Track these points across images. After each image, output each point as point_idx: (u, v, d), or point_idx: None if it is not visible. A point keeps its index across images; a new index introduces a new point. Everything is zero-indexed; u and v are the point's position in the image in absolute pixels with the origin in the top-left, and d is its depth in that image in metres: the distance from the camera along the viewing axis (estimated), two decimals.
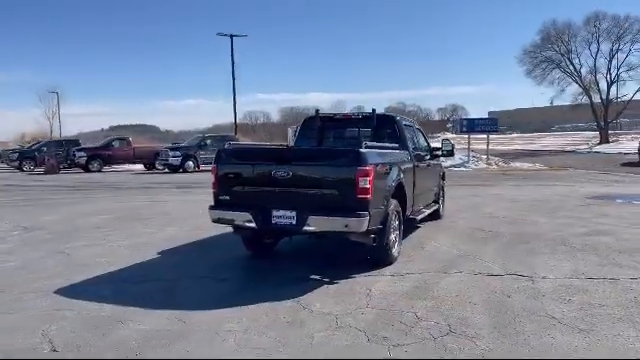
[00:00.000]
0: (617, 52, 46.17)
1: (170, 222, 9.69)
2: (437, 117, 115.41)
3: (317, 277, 5.76)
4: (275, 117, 79.03)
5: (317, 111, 7.58)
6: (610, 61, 46.60)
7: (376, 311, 4.54)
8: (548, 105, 52.19)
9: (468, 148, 28.96)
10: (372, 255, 5.98)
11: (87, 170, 28.41)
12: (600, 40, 46.28)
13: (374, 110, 7.26)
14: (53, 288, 5.34)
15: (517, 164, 29.77)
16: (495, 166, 28.02)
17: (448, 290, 5.15)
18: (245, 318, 4.41)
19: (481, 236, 8.02)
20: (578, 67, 47.49)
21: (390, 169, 6.03)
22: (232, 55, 36.00)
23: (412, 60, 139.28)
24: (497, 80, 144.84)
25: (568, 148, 47.76)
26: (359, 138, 7.51)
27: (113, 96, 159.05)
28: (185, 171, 26.02)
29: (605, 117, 47.63)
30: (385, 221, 5.82)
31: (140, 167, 30.67)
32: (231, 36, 35.52)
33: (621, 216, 9.99)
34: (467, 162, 27.65)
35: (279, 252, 6.99)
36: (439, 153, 9.19)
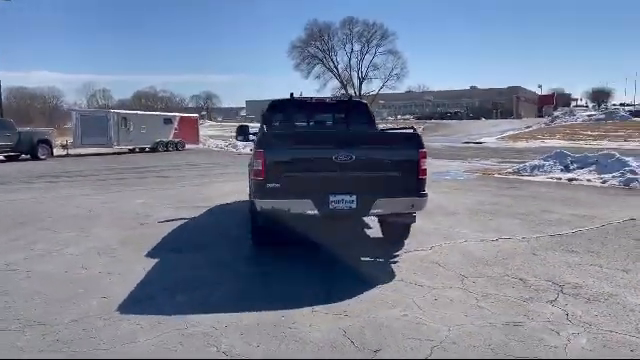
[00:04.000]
0: (366, 53, 53.96)
1: (83, 224, 7.95)
2: (191, 104, 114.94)
3: (368, 258, 5.88)
4: None
5: (292, 94, 7.34)
6: (361, 61, 54.26)
7: (482, 279, 5.02)
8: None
9: None
10: (403, 232, 6.34)
11: None
12: (353, 41, 53.40)
13: (350, 96, 7.54)
14: (108, 308, 4.19)
15: None
16: None
17: (489, 256, 5.91)
18: (390, 303, 4.38)
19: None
20: (337, 64, 53.80)
21: None
22: None
23: (166, 45, 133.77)
24: (258, 70, 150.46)
25: None
26: (334, 123, 7.65)
27: None
28: None
29: None
30: None
31: None
32: None
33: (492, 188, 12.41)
34: None
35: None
36: None
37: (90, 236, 7.05)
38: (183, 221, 8.14)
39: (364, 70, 54.41)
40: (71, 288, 4.74)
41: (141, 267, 5.42)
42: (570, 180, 13.77)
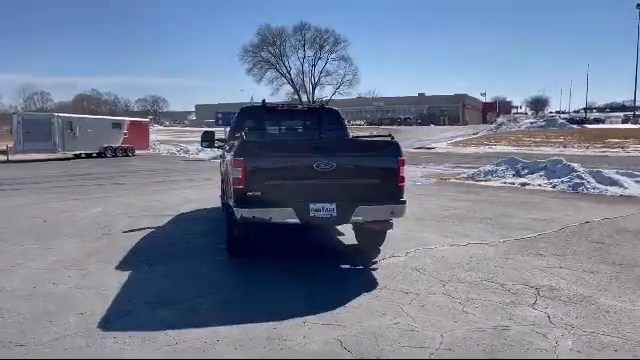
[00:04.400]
0: (318, 59, 54.34)
1: (42, 235, 7.53)
2: (136, 108, 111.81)
3: (347, 266, 5.88)
4: None
5: (264, 101, 7.27)
6: (314, 66, 54.57)
7: (462, 285, 5.12)
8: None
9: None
10: (379, 239, 6.38)
11: None
12: (306, 47, 53.60)
13: (322, 102, 7.49)
14: (88, 325, 3.98)
15: None
16: None
17: (463, 261, 6.05)
18: (380, 310, 4.40)
19: None
20: (289, 69, 53.85)
21: None
22: None
23: (106, 46, 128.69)
24: (208, 74, 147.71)
25: None
26: (306, 129, 7.64)
27: None
28: None
29: None
30: None
31: None
32: None
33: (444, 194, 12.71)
34: None
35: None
36: None
37: (52, 248, 6.68)
38: (149, 230, 7.87)
39: (317, 76, 54.87)
40: (43, 305, 4.47)
41: (115, 280, 5.19)
42: (523, 185, 14.34)
